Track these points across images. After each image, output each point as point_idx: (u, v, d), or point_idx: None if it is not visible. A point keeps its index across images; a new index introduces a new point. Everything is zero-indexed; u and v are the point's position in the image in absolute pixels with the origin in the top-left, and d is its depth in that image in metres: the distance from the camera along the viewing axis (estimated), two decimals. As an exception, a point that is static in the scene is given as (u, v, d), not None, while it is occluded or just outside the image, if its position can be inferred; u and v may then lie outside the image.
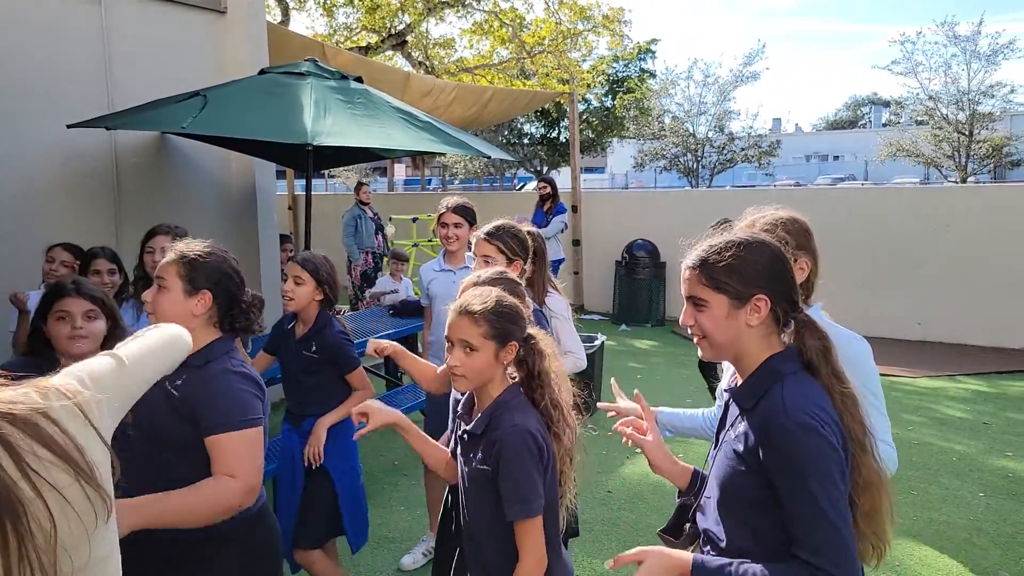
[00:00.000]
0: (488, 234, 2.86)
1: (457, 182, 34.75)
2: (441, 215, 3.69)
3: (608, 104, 24.63)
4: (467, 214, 3.69)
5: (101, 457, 1.26)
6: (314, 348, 3.00)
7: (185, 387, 1.89)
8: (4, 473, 1.09)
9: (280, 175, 10.26)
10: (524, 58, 15.87)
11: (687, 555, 1.52)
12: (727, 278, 1.51)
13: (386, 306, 6.05)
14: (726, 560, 1.49)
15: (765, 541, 1.47)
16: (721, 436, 1.63)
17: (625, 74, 25.17)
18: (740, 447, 1.50)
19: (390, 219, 9.36)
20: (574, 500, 2.02)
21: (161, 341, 1.52)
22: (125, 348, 1.41)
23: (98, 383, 1.31)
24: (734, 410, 1.59)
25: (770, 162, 25.34)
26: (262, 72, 5.04)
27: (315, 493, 3.00)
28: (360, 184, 8.73)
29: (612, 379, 2.33)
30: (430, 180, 35.08)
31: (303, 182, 12.45)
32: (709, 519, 1.62)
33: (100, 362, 1.34)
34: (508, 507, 1.81)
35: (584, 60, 18.76)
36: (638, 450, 1.90)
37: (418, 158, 16.76)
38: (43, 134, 4.63)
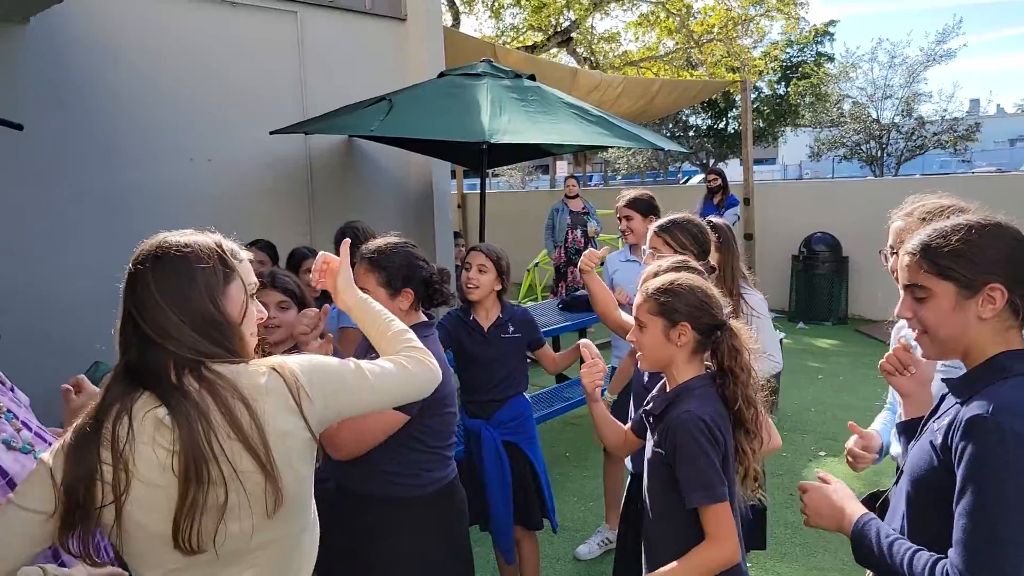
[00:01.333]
0: (658, 227, 2.85)
1: (619, 177, 34.43)
2: (618, 208, 3.78)
3: (781, 91, 23.47)
4: (639, 206, 3.73)
5: (301, 447, 1.37)
6: (512, 329, 3.11)
7: None
8: (205, 446, 1.24)
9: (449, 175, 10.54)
10: (691, 48, 15.48)
11: (860, 509, 1.43)
12: (954, 264, 1.36)
13: (557, 300, 6.12)
14: (891, 532, 1.40)
15: (944, 544, 1.32)
16: (925, 425, 1.50)
17: (800, 59, 23.86)
18: (938, 439, 1.36)
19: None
20: (764, 498, 1.94)
21: (403, 375, 1.56)
22: (370, 363, 1.52)
23: (323, 377, 1.42)
24: (948, 402, 1.45)
25: (967, 148, 23.06)
26: (441, 75, 5.25)
27: (524, 480, 3.12)
28: (568, 178, 8.61)
29: (850, 421, 2.14)
30: (591, 176, 35.03)
31: (470, 181, 12.86)
32: (896, 512, 1.51)
33: (338, 362, 1.47)
34: (690, 494, 1.75)
35: (755, 46, 18.02)
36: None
37: (580, 154, 16.81)
38: (248, 140, 5.07)
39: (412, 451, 2.10)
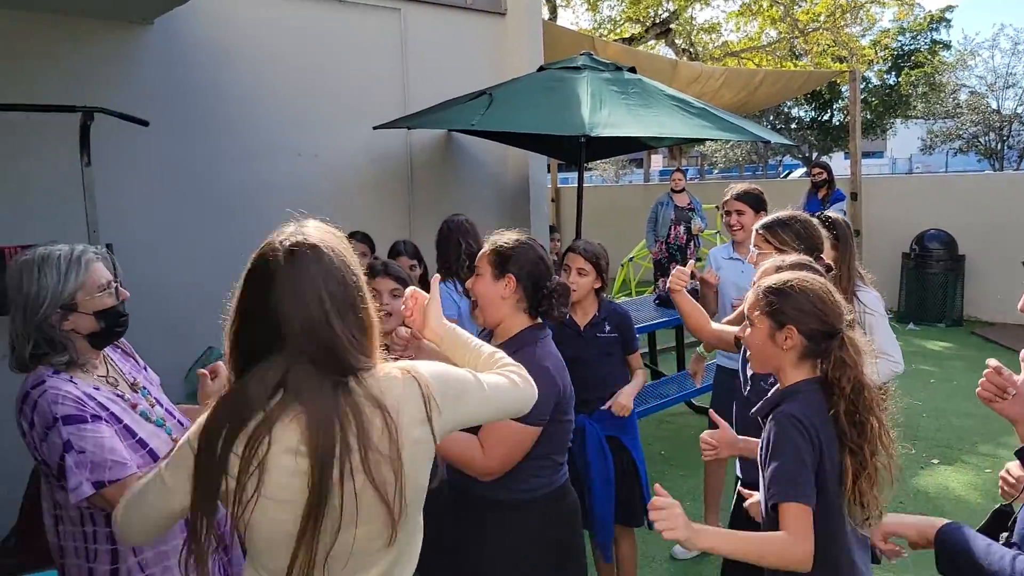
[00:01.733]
0: (762, 225, 2.75)
1: (716, 171, 33.62)
2: (725, 202, 3.68)
3: (891, 81, 22.38)
4: (751, 201, 3.63)
5: (425, 456, 1.35)
6: (608, 328, 3.08)
7: None
8: (340, 456, 1.22)
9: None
10: (795, 37, 14.93)
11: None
12: None
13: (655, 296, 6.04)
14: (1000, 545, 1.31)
15: None
16: None
17: (913, 47, 22.70)
18: None
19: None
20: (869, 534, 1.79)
21: (513, 389, 1.55)
22: (484, 375, 1.51)
23: (449, 386, 1.40)
24: None
25: (1098, 140, 21.42)
26: (541, 69, 5.25)
27: (626, 475, 3.11)
28: (675, 171, 8.42)
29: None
30: (687, 170, 34.30)
31: (563, 174, 12.80)
32: None
33: (460, 372, 1.46)
34: (772, 488, 1.68)
35: (864, 35, 17.23)
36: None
37: (675, 148, 16.49)
38: (352, 135, 5.21)
39: (530, 458, 2.06)
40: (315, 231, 1.35)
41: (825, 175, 8.20)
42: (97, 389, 1.81)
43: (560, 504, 2.17)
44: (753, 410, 1.90)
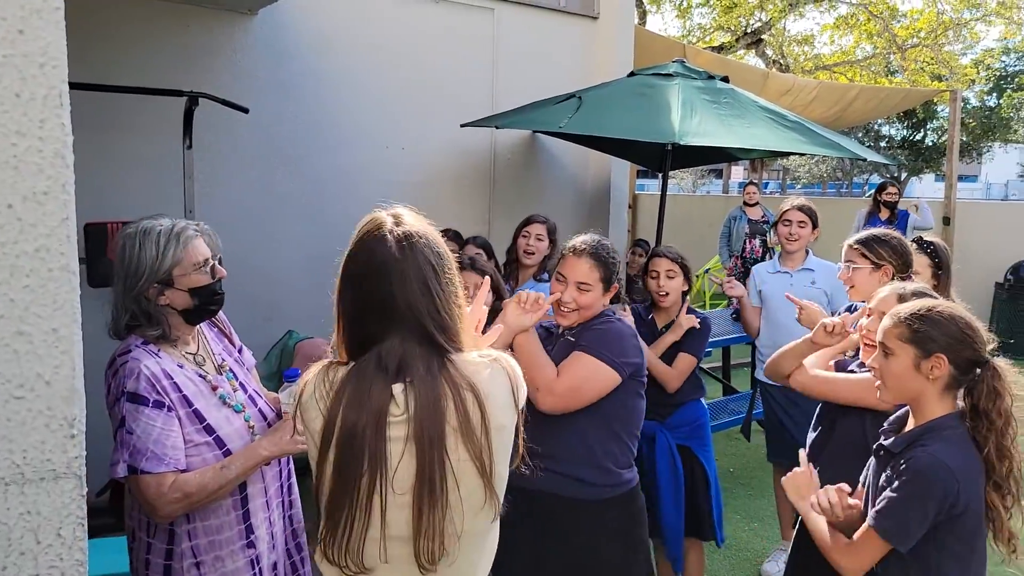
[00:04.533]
0: (857, 241, 2.74)
1: (799, 186, 32.75)
2: (785, 212, 3.74)
3: (991, 103, 21.38)
4: (812, 215, 3.71)
5: (508, 443, 1.36)
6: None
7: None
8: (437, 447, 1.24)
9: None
10: (893, 53, 14.42)
11: None
12: None
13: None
14: None
15: None
16: None
17: (1017, 68, 21.62)
18: None
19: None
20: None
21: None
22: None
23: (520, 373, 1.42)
24: None
25: None
26: (631, 74, 5.20)
27: (696, 486, 3.05)
28: (748, 184, 8.27)
29: None
30: (767, 183, 33.52)
31: (641, 181, 12.65)
32: None
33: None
34: (879, 517, 1.66)
35: (965, 54, 16.54)
36: None
37: (757, 160, 16.14)
38: (440, 131, 5.27)
39: (607, 439, 2.12)
40: (414, 219, 1.38)
41: (898, 196, 7.82)
42: (180, 367, 1.85)
43: (636, 502, 2.21)
44: (887, 442, 1.80)
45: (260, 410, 2.01)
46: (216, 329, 2.09)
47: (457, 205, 5.42)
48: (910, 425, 1.79)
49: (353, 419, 1.23)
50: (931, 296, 1.94)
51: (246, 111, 3.81)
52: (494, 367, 1.34)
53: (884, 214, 7.70)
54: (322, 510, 1.28)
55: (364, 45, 4.87)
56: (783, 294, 3.53)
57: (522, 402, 1.38)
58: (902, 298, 1.99)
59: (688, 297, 3.19)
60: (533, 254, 3.63)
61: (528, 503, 2.09)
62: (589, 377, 2.06)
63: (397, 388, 1.26)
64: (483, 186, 5.66)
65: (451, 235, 4.12)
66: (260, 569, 1.93)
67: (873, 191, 8.16)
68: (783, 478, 1.89)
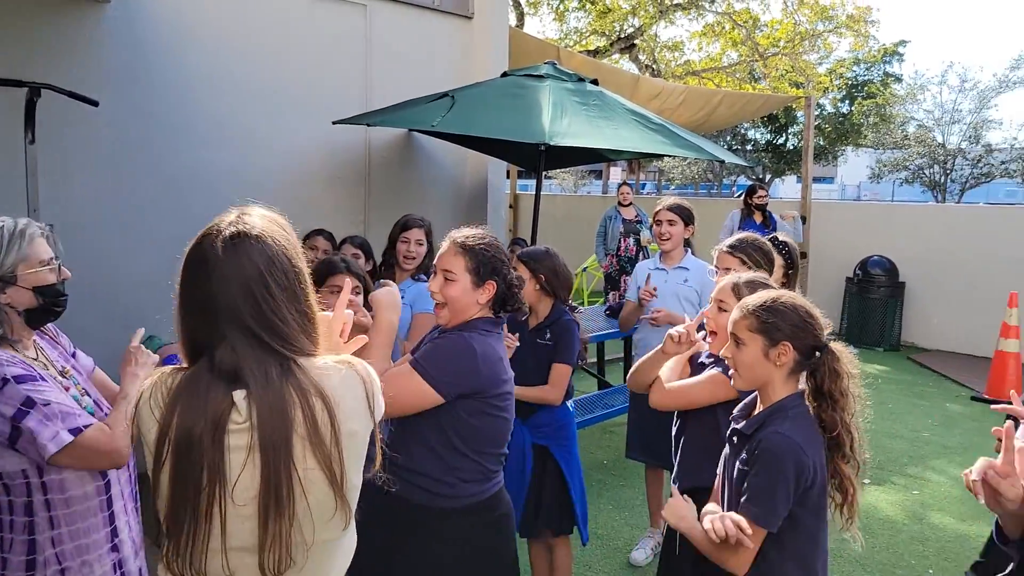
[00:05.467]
0: (730, 246, 2.85)
1: (673, 187, 34.11)
2: (657, 213, 3.85)
3: (844, 110, 23.02)
4: (682, 213, 3.82)
5: (361, 450, 1.33)
6: (548, 336, 3.08)
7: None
8: (285, 465, 1.21)
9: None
10: (755, 60, 15.26)
11: None
12: None
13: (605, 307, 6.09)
14: None
15: None
16: None
17: (866, 78, 23.38)
18: None
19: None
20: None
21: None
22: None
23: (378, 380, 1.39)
24: None
25: (1036, 177, 22.33)
26: (504, 74, 5.26)
27: (546, 482, 3.07)
28: (622, 185, 8.42)
29: (1012, 391, 2.12)
30: (644, 184, 34.71)
31: (523, 181, 12.86)
32: None
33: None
34: (749, 505, 1.76)
35: (821, 63, 17.71)
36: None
37: (634, 162, 16.70)
38: (311, 129, 5.15)
39: (450, 453, 2.01)
40: (258, 219, 1.32)
41: (767, 199, 8.27)
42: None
43: (491, 513, 2.11)
44: (740, 426, 1.90)
45: (105, 414, 1.94)
46: (47, 337, 1.98)
47: (331, 205, 5.31)
48: (758, 409, 1.90)
49: (188, 427, 1.17)
50: (767, 285, 2.07)
51: (95, 104, 3.58)
52: (347, 372, 1.30)
53: (758, 217, 8.12)
54: (162, 521, 1.22)
55: (227, 38, 4.69)
56: (661, 290, 3.75)
57: (379, 409, 1.34)
58: (737, 287, 2.14)
59: (559, 300, 3.18)
60: (414, 259, 3.59)
61: (385, 504, 2.05)
62: (403, 390, 1.95)
63: (239, 395, 1.20)
64: (358, 185, 5.58)
65: (325, 236, 4.03)
66: (124, 572, 1.89)
67: (743, 193, 8.57)
68: (663, 510, 1.94)
